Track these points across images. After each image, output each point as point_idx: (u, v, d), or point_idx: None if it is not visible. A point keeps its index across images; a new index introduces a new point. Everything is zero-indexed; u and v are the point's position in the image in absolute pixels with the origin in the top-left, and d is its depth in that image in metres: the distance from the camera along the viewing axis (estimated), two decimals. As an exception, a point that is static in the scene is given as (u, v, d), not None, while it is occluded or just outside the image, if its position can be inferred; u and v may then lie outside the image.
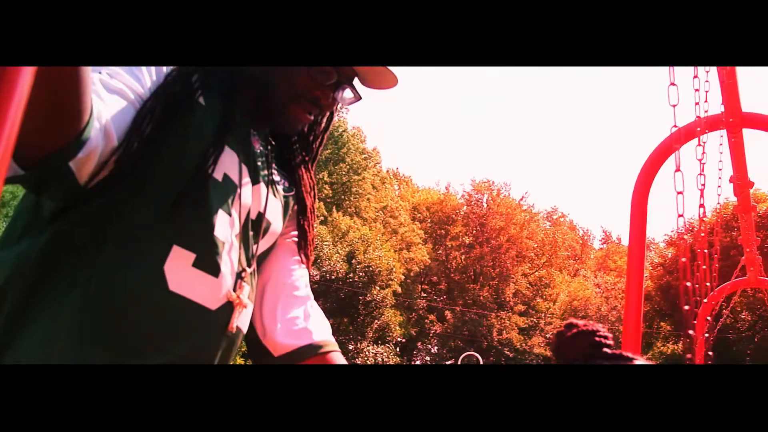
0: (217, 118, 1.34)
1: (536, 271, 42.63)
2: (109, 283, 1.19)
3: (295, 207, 1.61)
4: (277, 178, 1.53)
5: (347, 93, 1.50)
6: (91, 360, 1.15)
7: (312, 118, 1.51)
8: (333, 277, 28.86)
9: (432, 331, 36.90)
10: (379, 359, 29.73)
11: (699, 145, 3.54)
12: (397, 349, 33.45)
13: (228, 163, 1.34)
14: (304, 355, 1.49)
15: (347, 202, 35.75)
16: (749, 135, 4.83)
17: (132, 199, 1.23)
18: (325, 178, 33.90)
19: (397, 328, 32.21)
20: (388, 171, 45.24)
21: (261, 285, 1.51)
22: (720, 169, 4.66)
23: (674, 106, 3.21)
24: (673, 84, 3.13)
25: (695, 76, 3.42)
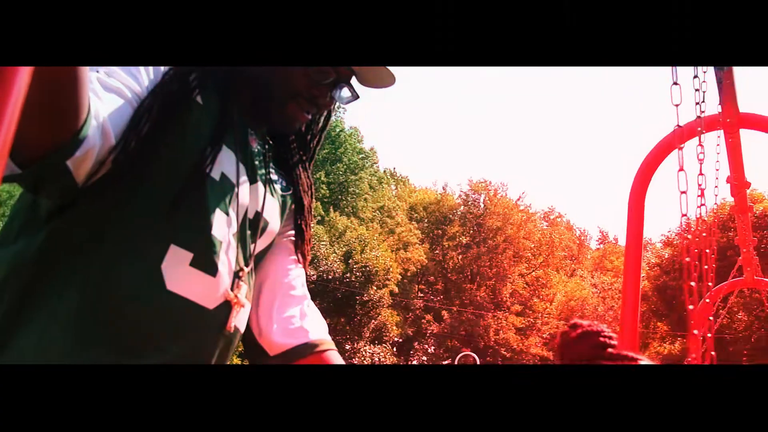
0: (215, 117, 1.34)
1: (533, 271, 42.64)
2: (106, 282, 1.19)
3: (293, 206, 1.61)
4: (274, 177, 1.53)
5: (345, 92, 1.50)
6: (88, 359, 1.15)
7: (310, 117, 1.51)
8: (330, 276, 28.85)
9: (429, 331, 36.89)
10: (376, 359, 29.72)
11: (700, 144, 3.54)
12: (394, 349, 33.43)
13: (226, 163, 1.34)
14: (300, 354, 1.48)
15: (344, 202, 35.77)
16: (746, 135, 4.83)
17: (129, 198, 1.23)
18: (322, 178, 33.91)
19: (394, 328, 32.20)
20: (385, 171, 45.27)
21: (257, 284, 1.51)
22: (717, 170, 4.67)
23: (677, 105, 3.21)
24: (675, 84, 3.13)
25: (695, 76, 3.43)
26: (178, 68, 1.31)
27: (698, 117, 3.28)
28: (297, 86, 1.43)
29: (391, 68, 1.46)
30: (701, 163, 3.42)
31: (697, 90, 3.39)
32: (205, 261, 1.29)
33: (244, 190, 1.39)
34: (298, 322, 1.51)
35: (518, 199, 43.42)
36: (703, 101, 3.49)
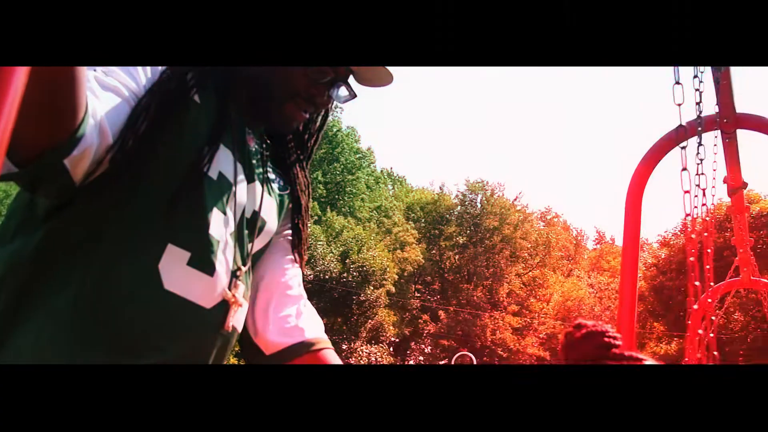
0: (213, 116, 1.34)
1: (530, 271, 42.68)
2: (104, 282, 1.19)
3: (290, 206, 1.60)
4: (272, 176, 1.53)
5: (342, 91, 1.50)
6: (85, 359, 1.15)
7: (307, 116, 1.51)
8: (327, 276, 28.86)
9: (425, 331, 36.90)
10: (373, 359, 29.74)
11: (700, 144, 3.54)
12: (391, 349, 33.47)
13: (223, 162, 1.34)
14: (296, 352, 1.48)
15: (341, 202, 35.80)
16: (742, 135, 4.84)
17: (127, 198, 1.22)
18: (319, 178, 33.94)
19: (391, 327, 32.22)
20: (382, 170, 45.30)
21: (254, 284, 1.51)
22: (714, 170, 4.67)
23: (679, 105, 3.21)
24: (678, 83, 3.13)
25: (695, 76, 3.43)
26: (176, 67, 1.30)
27: (698, 117, 3.28)
28: (295, 85, 1.43)
29: (390, 67, 1.46)
30: (702, 163, 3.42)
31: (697, 90, 3.39)
32: (203, 260, 1.29)
33: (241, 189, 1.38)
34: (293, 321, 1.51)
35: (515, 199, 43.47)
36: (701, 101, 3.49)
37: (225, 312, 1.34)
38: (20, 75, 0.49)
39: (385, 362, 29.93)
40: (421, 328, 36.57)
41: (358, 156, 38.25)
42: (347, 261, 29.73)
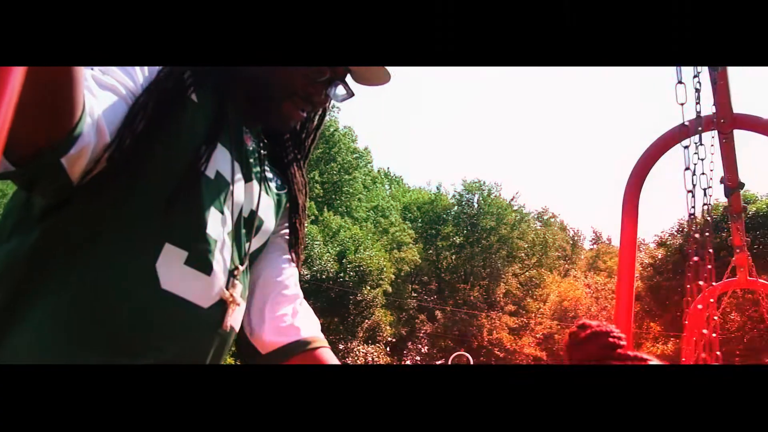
0: (210, 115, 1.33)
1: (527, 271, 42.76)
2: (101, 281, 1.18)
3: (288, 205, 1.60)
4: (269, 175, 1.52)
5: (340, 90, 1.50)
6: (82, 359, 1.15)
7: (305, 115, 1.51)
8: (323, 276, 28.87)
9: (422, 331, 36.94)
10: (369, 359, 29.76)
11: (701, 144, 3.54)
12: (387, 349, 33.46)
13: (220, 161, 1.33)
14: (292, 351, 1.48)
15: (338, 202, 35.81)
16: (739, 136, 4.84)
17: (124, 197, 1.22)
18: (316, 177, 33.92)
19: (388, 327, 32.24)
20: (379, 170, 45.33)
21: (250, 283, 1.50)
22: (711, 170, 4.67)
23: (682, 104, 3.21)
24: (680, 83, 3.13)
25: (695, 76, 3.43)
26: (174, 66, 1.30)
27: (698, 116, 3.28)
28: (292, 84, 1.42)
29: (388, 67, 1.46)
30: (703, 162, 3.41)
31: (697, 90, 3.39)
32: (200, 260, 1.28)
33: (239, 188, 1.38)
34: (289, 320, 1.51)
35: (512, 200, 43.53)
36: (700, 101, 3.49)
37: (223, 311, 1.34)
38: (17, 74, 0.49)
39: (381, 362, 29.94)
40: (417, 328, 36.61)
41: (355, 156, 38.27)
42: (344, 261, 29.75)
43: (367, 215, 37.33)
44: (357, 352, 29.61)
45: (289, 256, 1.60)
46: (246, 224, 1.42)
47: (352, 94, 1.51)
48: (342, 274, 29.55)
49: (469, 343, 35.32)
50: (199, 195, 1.28)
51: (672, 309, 28.13)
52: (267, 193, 1.49)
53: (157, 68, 1.28)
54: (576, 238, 54.69)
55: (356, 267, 29.78)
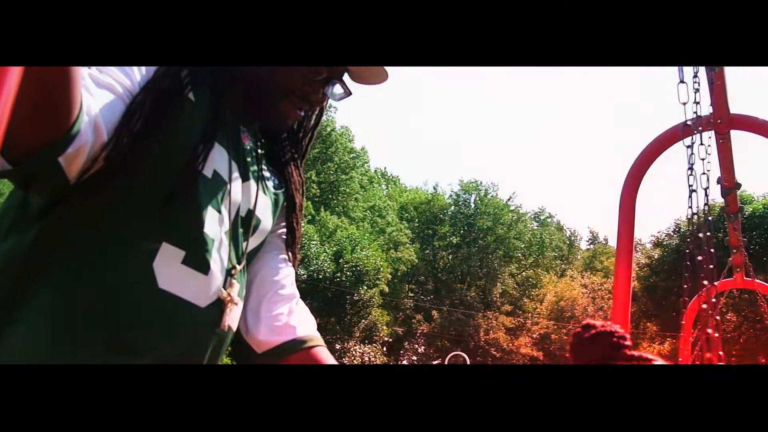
0: (207, 114, 1.33)
1: (523, 271, 42.81)
2: (98, 280, 1.18)
3: (285, 204, 1.60)
4: (267, 174, 1.52)
5: (337, 88, 1.50)
6: (79, 358, 1.14)
7: (302, 114, 1.51)
8: (320, 276, 28.86)
9: (419, 331, 36.96)
10: (366, 359, 29.76)
11: (702, 144, 3.54)
12: (384, 349, 33.47)
13: (218, 160, 1.33)
14: (288, 350, 1.48)
15: (335, 202, 35.80)
16: (735, 136, 4.85)
17: (121, 196, 1.22)
18: (312, 177, 33.90)
19: (384, 327, 32.24)
20: (376, 170, 45.34)
21: (246, 282, 1.50)
22: (708, 170, 4.68)
23: (684, 103, 3.21)
24: (682, 82, 3.13)
25: (695, 76, 3.43)
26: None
27: (698, 116, 3.28)
28: (290, 83, 1.42)
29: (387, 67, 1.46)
30: (704, 162, 3.42)
31: (696, 90, 3.40)
32: (198, 259, 1.28)
33: (236, 187, 1.38)
34: (285, 318, 1.51)
35: (509, 200, 43.56)
36: (700, 101, 3.49)
37: (220, 311, 1.34)
38: (14, 74, 0.49)
39: (378, 362, 29.95)
40: (414, 327, 36.63)
41: (351, 155, 38.25)
42: (341, 261, 29.74)
43: (363, 215, 37.34)
44: (354, 352, 29.61)
45: (285, 256, 1.60)
46: (243, 223, 1.42)
47: (350, 93, 1.51)
48: (339, 274, 29.54)
49: (466, 343, 35.34)
50: (196, 194, 1.28)
51: (668, 309, 28.15)
52: (264, 192, 1.49)
53: (154, 67, 1.28)
54: (573, 238, 54.72)
55: (353, 267, 29.77)
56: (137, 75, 1.24)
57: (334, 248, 30.01)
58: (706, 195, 3.52)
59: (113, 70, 1.20)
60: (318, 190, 34.57)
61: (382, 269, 31.13)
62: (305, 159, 1.69)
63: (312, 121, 1.67)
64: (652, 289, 30.99)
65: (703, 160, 3.46)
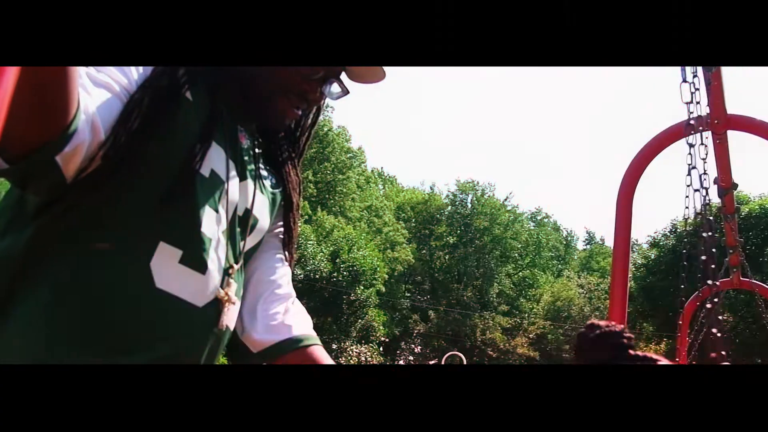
0: (205, 113, 1.33)
1: (520, 271, 42.88)
2: (95, 280, 1.18)
3: (282, 203, 1.60)
4: (264, 174, 1.52)
5: (335, 87, 1.49)
6: (75, 358, 1.14)
7: (299, 113, 1.50)
8: (317, 276, 28.85)
9: (415, 331, 37.00)
10: (363, 359, 29.77)
11: (702, 143, 3.55)
12: (381, 349, 33.49)
13: (215, 159, 1.33)
14: (283, 349, 1.47)
15: (332, 201, 35.80)
16: (731, 136, 4.86)
17: (118, 195, 1.21)
18: (309, 177, 33.89)
19: (381, 327, 32.26)
20: (373, 170, 45.36)
21: (243, 282, 1.50)
22: (691, 172, 4.69)
23: (688, 103, 3.21)
24: (685, 81, 3.13)
25: (695, 76, 3.43)
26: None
27: (699, 116, 3.29)
28: (287, 82, 1.41)
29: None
30: (704, 161, 3.42)
31: (697, 89, 3.40)
32: (195, 258, 1.28)
33: (233, 187, 1.38)
34: (281, 318, 1.51)
35: (505, 200, 43.63)
36: (700, 101, 3.49)
37: (217, 310, 1.34)
38: (11, 73, 0.48)
39: (375, 362, 29.96)
40: (411, 327, 36.66)
41: (348, 155, 38.26)
42: (337, 261, 29.74)
43: (360, 215, 37.37)
44: (350, 352, 29.62)
45: (282, 256, 1.60)
46: (241, 223, 1.41)
47: (347, 92, 1.51)
48: (335, 274, 29.54)
49: (463, 343, 35.39)
50: (193, 193, 1.28)
51: (665, 309, 28.18)
52: (262, 191, 1.48)
53: (151, 66, 1.28)
54: (569, 238, 54.85)
55: (350, 267, 29.78)
56: (134, 74, 1.24)
57: (331, 248, 30.01)
58: (708, 195, 3.52)
59: (110, 69, 1.20)
60: (315, 190, 34.57)
61: (378, 269, 31.15)
62: (302, 158, 1.69)
63: (309, 120, 1.67)
64: (648, 290, 31.03)
65: (704, 159, 3.46)
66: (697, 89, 3.43)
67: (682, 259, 3.96)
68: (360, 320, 30.69)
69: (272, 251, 1.58)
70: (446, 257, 40.12)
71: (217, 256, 1.33)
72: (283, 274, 1.58)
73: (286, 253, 1.61)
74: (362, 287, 30.07)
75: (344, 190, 36.67)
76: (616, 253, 4.32)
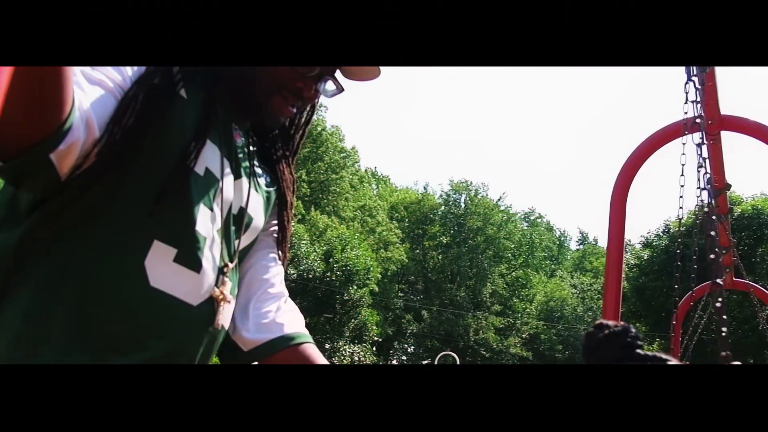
0: (199, 111, 1.32)
1: (513, 271, 42.99)
2: (89, 279, 1.18)
3: (276, 202, 1.59)
4: (258, 172, 1.51)
5: (329, 85, 1.49)
6: (69, 356, 1.14)
7: (294, 110, 1.50)
8: (310, 276, 28.84)
9: (409, 331, 37.05)
10: (356, 358, 29.80)
11: (704, 143, 3.56)
12: (374, 349, 33.51)
13: (210, 158, 1.32)
14: (275, 347, 1.47)
15: (325, 201, 35.80)
16: (727, 137, 4.87)
17: (112, 193, 1.21)
18: (303, 177, 33.89)
19: (374, 327, 32.27)
20: (366, 170, 45.38)
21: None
22: (699, 171, 4.72)
23: (693, 102, 3.22)
24: (690, 80, 3.14)
25: (695, 75, 3.45)
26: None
27: (700, 116, 3.30)
28: (282, 79, 1.41)
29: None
30: (706, 161, 3.43)
31: (697, 89, 3.41)
32: (189, 257, 1.28)
33: (228, 185, 1.37)
34: (273, 316, 1.50)
35: (499, 200, 43.73)
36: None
37: (212, 309, 1.33)
38: (4, 71, 0.48)
39: (368, 362, 30.02)
40: (404, 327, 36.72)
41: (342, 155, 38.26)
42: (331, 260, 29.73)
43: (354, 215, 37.37)
44: (343, 352, 29.64)
45: (275, 255, 1.59)
46: (235, 221, 1.41)
47: (342, 90, 1.50)
48: (329, 274, 29.52)
49: (456, 343, 35.45)
50: (188, 192, 1.27)
51: (658, 310, 28.26)
52: (256, 190, 1.48)
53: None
54: (562, 238, 55.01)
55: (343, 266, 29.77)
56: (129, 71, 1.23)
57: (324, 248, 30.00)
58: (710, 194, 3.54)
59: (106, 67, 1.19)
60: (308, 190, 34.56)
61: (372, 269, 31.16)
62: (296, 156, 1.69)
63: (304, 118, 1.67)
64: (641, 290, 31.10)
65: (706, 159, 3.48)
66: (697, 89, 3.45)
67: (676, 259, 3.97)
68: (353, 320, 30.69)
69: (266, 250, 1.58)
70: (439, 257, 40.20)
71: (211, 254, 1.32)
72: (276, 273, 1.57)
73: (280, 252, 1.60)
74: (355, 287, 30.07)
75: (338, 189, 36.66)
76: (609, 252, 4.34)
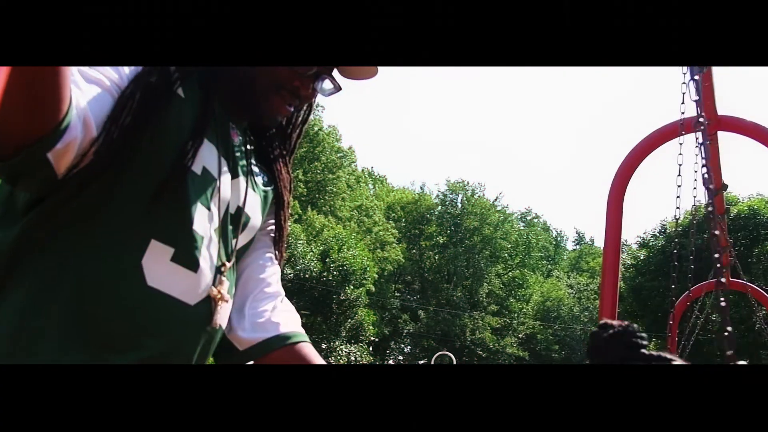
0: (196, 110, 1.32)
1: (510, 271, 42.98)
2: (86, 278, 1.18)
3: (274, 201, 1.59)
4: (256, 171, 1.51)
5: (327, 84, 1.48)
6: (66, 355, 1.14)
7: (292, 110, 1.49)
8: (307, 275, 28.82)
9: (405, 331, 37.06)
10: (352, 358, 29.79)
11: (705, 143, 3.57)
12: (370, 349, 33.53)
13: (207, 157, 1.32)
14: (270, 346, 1.46)
15: (322, 201, 35.78)
16: (722, 137, 4.88)
17: (110, 192, 1.21)
18: (300, 177, 33.86)
19: (371, 327, 32.28)
20: (363, 170, 45.38)
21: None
22: (696, 171, 4.72)
23: (696, 101, 3.23)
24: (693, 80, 3.15)
25: (695, 74, 3.45)
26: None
27: (701, 115, 3.30)
28: (279, 78, 1.41)
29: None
30: (707, 161, 3.44)
31: (697, 89, 3.42)
32: (187, 256, 1.28)
33: (225, 184, 1.37)
34: (269, 315, 1.50)
35: (495, 200, 43.76)
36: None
37: (210, 309, 1.33)
38: (2, 71, 0.49)
39: (364, 362, 30.03)
40: (400, 327, 36.72)
41: (339, 155, 38.24)
42: (327, 260, 29.72)
43: (350, 214, 37.37)
44: (340, 352, 29.62)
45: (272, 254, 1.59)
46: (233, 220, 1.41)
47: (340, 89, 1.50)
48: (325, 274, 29.52)
49: (452, 343, 35.47)
50: (185, 191, 1.27)
51: (654, 310, 28.30)
52: (254, 189, 1.48)
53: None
54: (559, 238, 55.08)
55: (339, 266, 29.77)
56: (126, 70, 1.23)
57: (321, 248, 29.99)
58: (711, 193, 3.54)
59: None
60: (305, 190, 34.54)
61: (368, 269, 31.16)
62: (293, 156, 1.69)
63: (301, 117, 1.66)
64: (637, 290, 31.14)
65: (706, 158, 3.48)
66: (697, 89, 3.45)
67: (672, 259, 3.97)
68: (350, 320, 30.69)
69: (262, 249, 1.57)
70: (436, 257, 40.21)
71: (209, 253, 1.32)
72: (272, 273, 1.57)
73: (276, 251, 1.60)
74: (352, 287, 30.06)
75: (334, 189, 36.65)
76: (606, 252, 4.34)
